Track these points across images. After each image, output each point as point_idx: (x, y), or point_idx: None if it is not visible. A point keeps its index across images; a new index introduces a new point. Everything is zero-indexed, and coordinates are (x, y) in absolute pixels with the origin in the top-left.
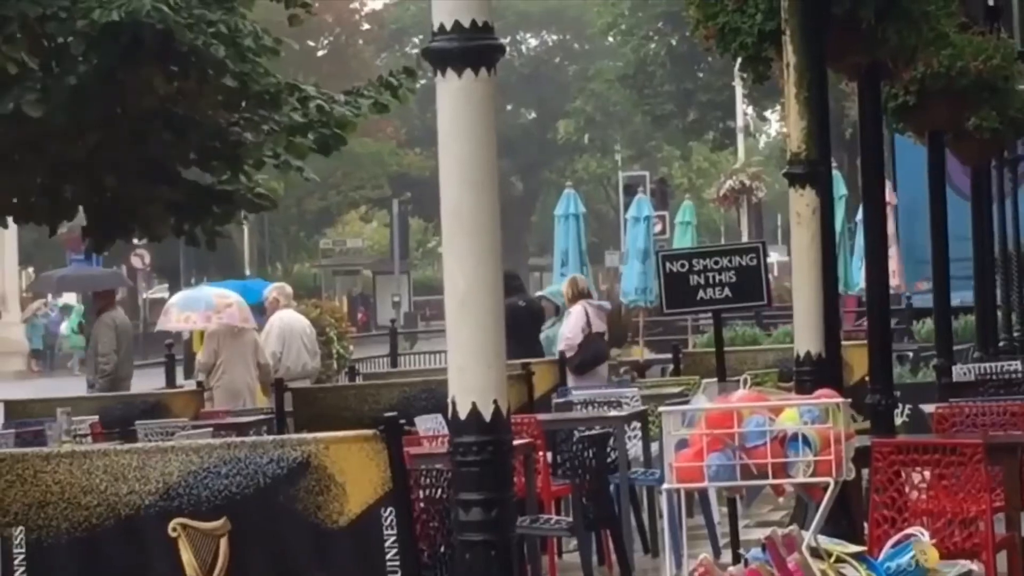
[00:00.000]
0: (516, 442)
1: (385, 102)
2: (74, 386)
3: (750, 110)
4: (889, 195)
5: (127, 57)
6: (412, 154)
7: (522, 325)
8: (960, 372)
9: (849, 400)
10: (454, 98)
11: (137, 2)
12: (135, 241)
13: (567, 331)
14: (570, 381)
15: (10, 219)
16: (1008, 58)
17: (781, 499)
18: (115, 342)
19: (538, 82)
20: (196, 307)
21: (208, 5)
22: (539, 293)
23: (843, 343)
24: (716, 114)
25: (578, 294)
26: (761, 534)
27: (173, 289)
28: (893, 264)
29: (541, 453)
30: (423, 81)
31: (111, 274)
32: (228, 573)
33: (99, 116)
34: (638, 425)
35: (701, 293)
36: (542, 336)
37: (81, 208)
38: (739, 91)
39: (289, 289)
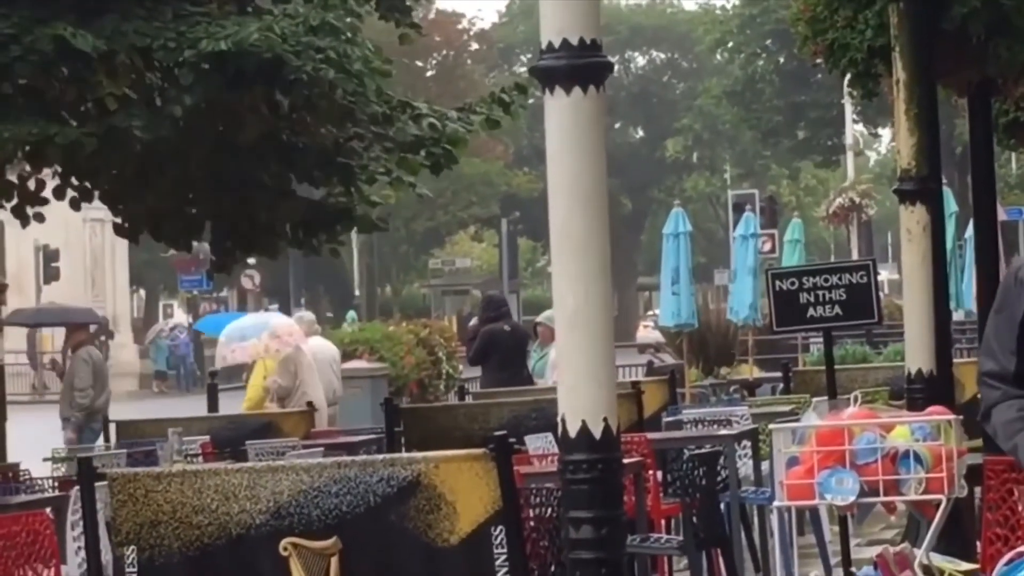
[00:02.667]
0: (626, 460)
1: (497, 118)
2: (190, 407)
3: (860, 127)
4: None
5: (233, 86)
6: (521, 174)
7: (508, 350)
8: None
9: (961, 417)
10: (562, 116)
11: (244, 31)
12: (249, 261)
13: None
14: None
15: (116, 239)
16: None
17: (893, 517)
18: (91, 377)
19: (646, 100)
20: (250, 336)
21: (316, 32)
22: (538, 319)
23: (955, 361)
24: (826, 131)
25: None
26: (872, 552)
27: (283, 309)
28: None
29: (651, 472)
30: (531, 100)
31: (85, 310)
32: None
33: (208, 142)
34: (748, 444)
35: (811, 311)
36: (534, 361)
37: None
38: (848, 108)
39: (312, 316)
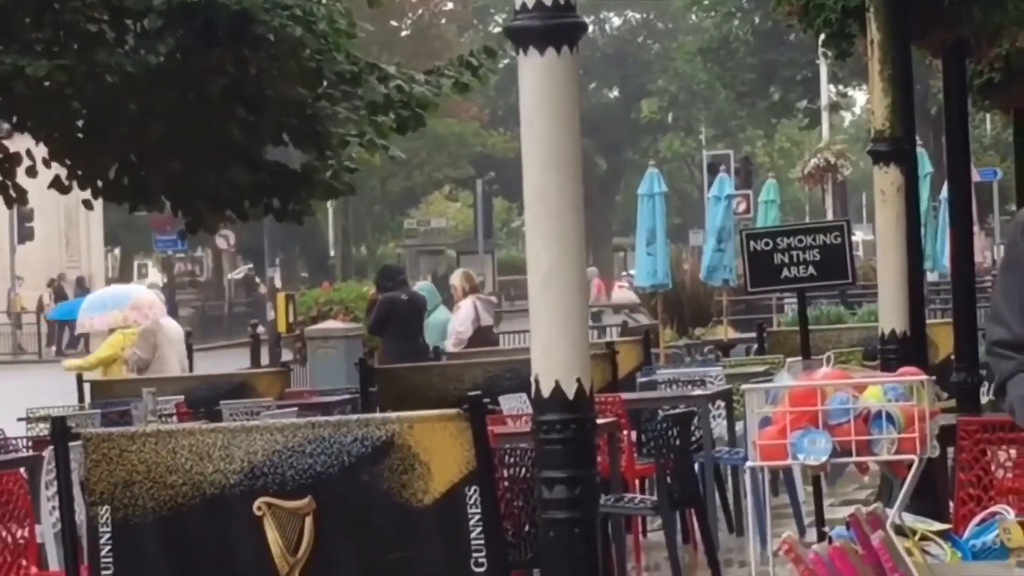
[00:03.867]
0: (600, 421)
1: (466, 82)
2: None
3: (834, 88)
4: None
5: (202, 38)
6: (496, 134)
7: (407, 318)
8: None
9: (934, 378)
10: (536, 76)
11: None
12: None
13: (458, 325)
14: None
15: (94, 200)
16: None
17: (865, 477)
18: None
19: (621, 61)
20: (110, 306)
21: None
22: (419, 284)
23: (928, 321)
24: (800, 92)
25: (469, 289)
26: (845, 512)
27: (258, 269)
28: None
29: (625, 432)
30: (506, 61)
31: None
32: (313, 551)
33: (171, 101)
34: (722, 404)
35: (785, 272)
36: (428, 321)
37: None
38: (823, 68)
39: (162, 297)
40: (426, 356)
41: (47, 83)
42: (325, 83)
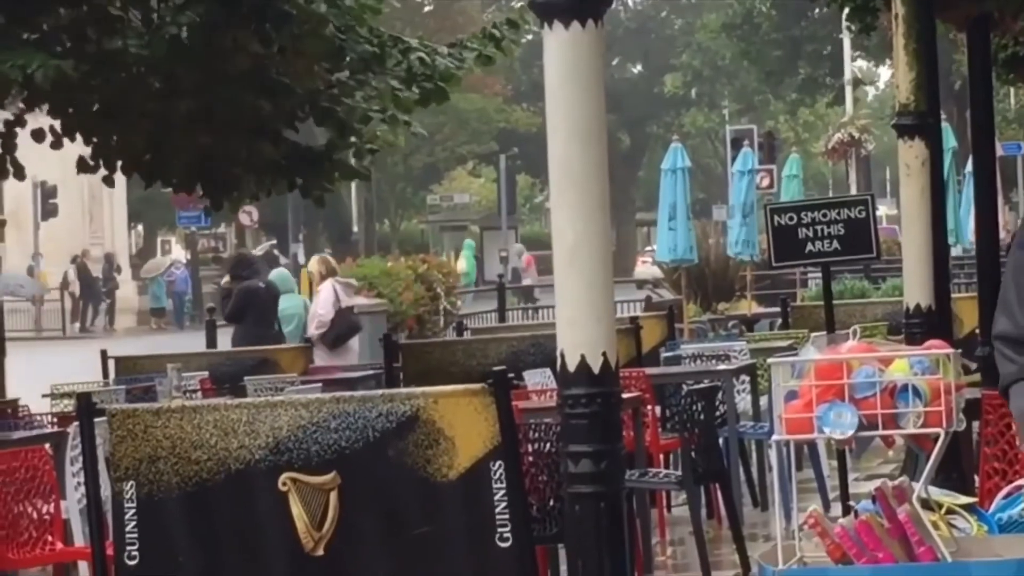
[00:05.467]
0: (625, 396)
1: (489, 54)
2: (188, 343)
3: (859, 63)
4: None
5: (227, 12)
6: (519, 110)
7: (263, 307)
8: None
9: (959, 351)
10: (561, 50)
11: None
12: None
13: (319, 308)
14: (321, 359)
15: (118, 177)
16: None
17: (891, 451)
18: None
19: (644, 36)
20: None
21: None
22: (274, 271)
23: (953, 296)
24: (824, 66)
25: (327, 272)
26: (871, 486)
27: (281, 245)
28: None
29: (650, 407)
30: (529, 36)
31: None
32: (338, 526)
33: (195, 79)
34: (747, 379)
35: (809, 246)
36: (281, 306)
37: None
38: (847, 43)
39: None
40: (280, 343)
41: (64, 77)
42: (347, 61)
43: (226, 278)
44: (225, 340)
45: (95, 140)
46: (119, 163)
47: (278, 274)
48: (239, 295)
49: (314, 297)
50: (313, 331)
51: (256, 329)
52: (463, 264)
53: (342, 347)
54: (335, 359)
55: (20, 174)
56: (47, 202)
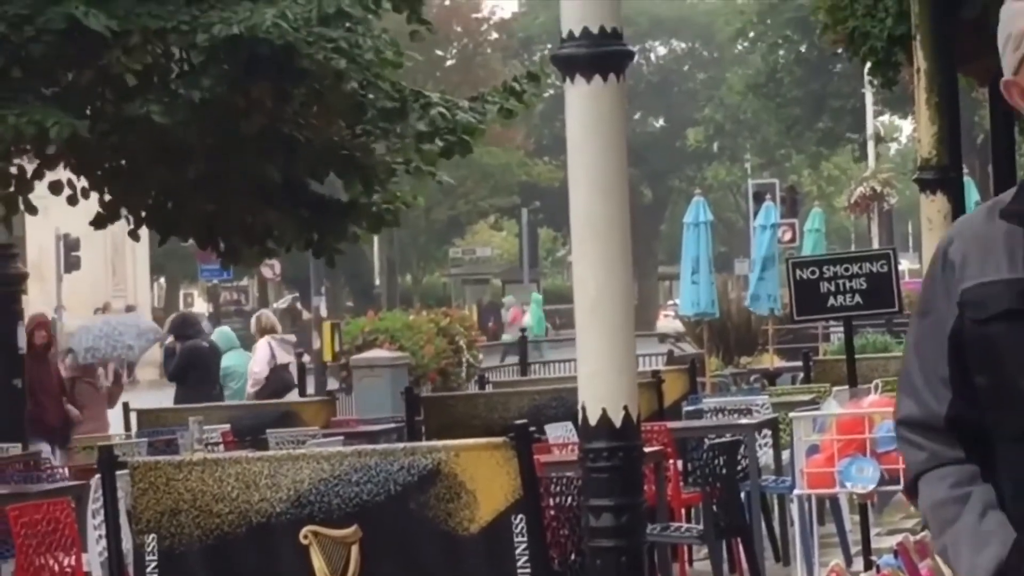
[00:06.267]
0: (646, 450)
1: (511, 107)
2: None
3: (883, 118)
4: None
5: (245, 73)
6: (541, 163)
7: (208, 365)
8: None
9: None
10: (583, 104)
11: (258, 17)
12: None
13: (254, 366)
14: None
15: (140, 231)
16: None
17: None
18: None
19: (667, 90)
20: None
21: (328, 22)
22: (216, 330)
23: None
24: (847, 121)
25: (263, 329)
26: (892, 541)
27: (303, 299)
28: None
29: (671, 461)
30: (551, 91)
31: None
32: None
33: (207, 142)
34: (769, 433)
35: (831, 300)
36: (224, 363)
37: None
38: (869, 97)
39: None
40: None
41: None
42: (368, 116)
43: (169, 338)
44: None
45: (108, 196)
46: (132, 218)
47: (221, 333)
48: (183, 354)
49: (252, 354)
50: (249, 389)
51: (200, 388)
52: (529, 318)
53: None
54: None
55: (32, 211)
56: (70, 254)
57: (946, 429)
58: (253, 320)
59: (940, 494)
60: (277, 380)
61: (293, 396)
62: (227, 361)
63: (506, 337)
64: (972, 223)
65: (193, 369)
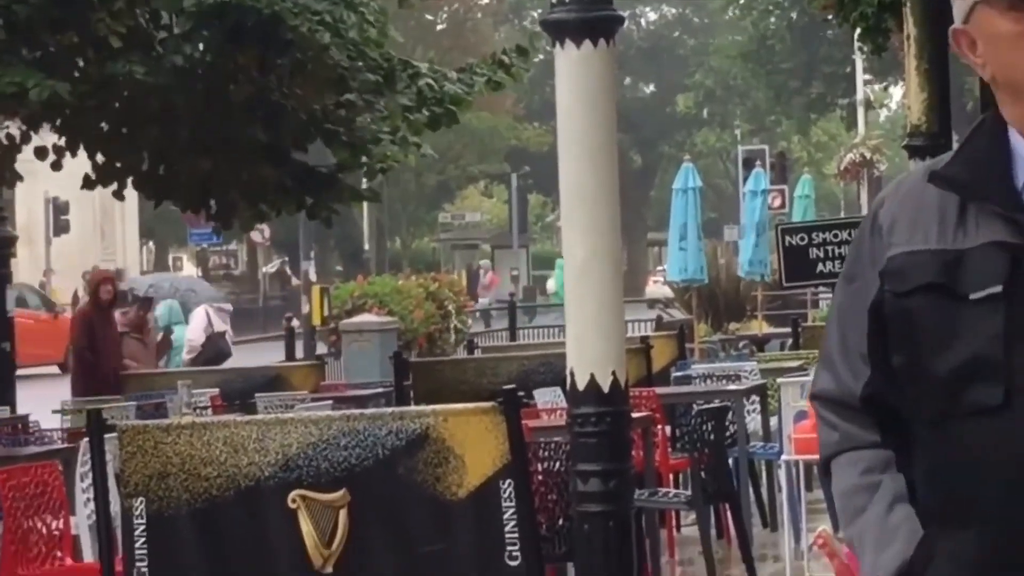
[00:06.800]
0: (634, 415)
1: (499, 80)
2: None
3: (872, 86)
4: None
5: (230, 41)
6: (531, 128)
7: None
8: None
9: None
10: (572, 69)
11: None
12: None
13: (190, 334)
14: None
15: (127, 192)
16: None
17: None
18: None
19: (657, 56)
20: None
21: None
22: (162, 303)
23: None
24: (838, 88)
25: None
26: None
27: (292, 263)
28: None
29: (660, 426)
30: (541, 56)
31: None
32: (348, 544)
33: (197, 104)
34: (757, 399)
35: (820, 266)
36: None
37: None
38: (859, 64)
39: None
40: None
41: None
42: (353, 85)
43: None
44: (236, 357)
45: (99, 159)
46: (125, 181)
47: (166, 306)
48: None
49: (189, 321)
50: (184, 356)
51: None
52: (553, 284)
53: None
54: None
55: (12, 184)
56: (59, 218)
57: (861, 409)
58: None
59: (850, 480)
60: (212, 348)
61: (230, 364)
62: (175, 334)
63: (483, 301)
64: (907, 185)
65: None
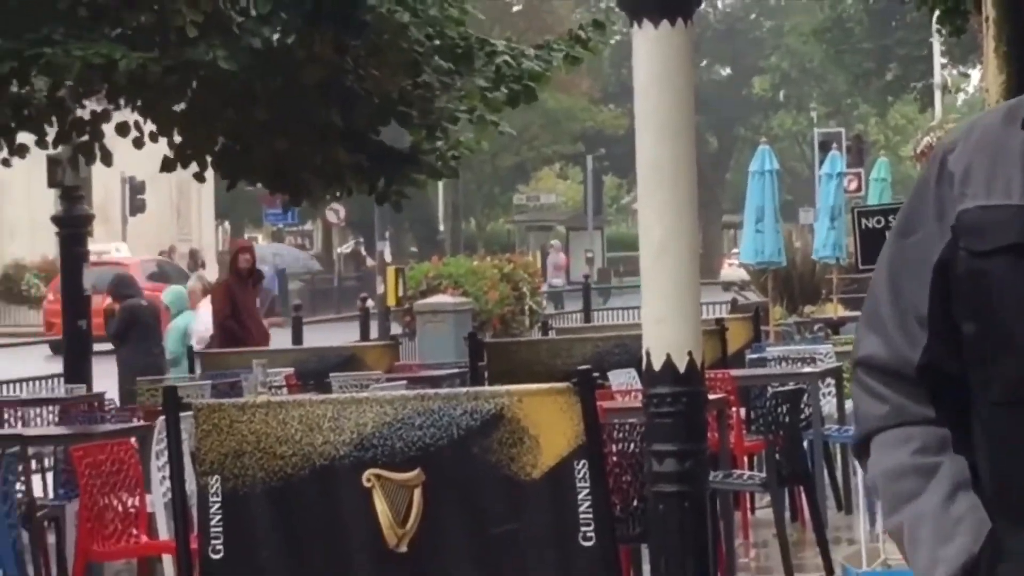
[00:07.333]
0: (710, 397)
1: (576, 55)
2: (274, 339)
3: (949, 69)
4: None
5: (308, 23)
6: (606, 111)
7: (148, 324)
8: None
9: None
10: (650, 48)
11: None
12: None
13: (198, 326)
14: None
15: (206, 172)
16: None
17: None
18: None
19: (733, 38)
20: None
21: None
22: (169, 288)
23: None
24: (915, 71)
25: (205, 290)
26: None
27: (368, 244)
28: None
29: (734, 408)
30: (617, 37)
31: None
32: (422, 523)
33: (270, 89)
34: (832, 382)
35: None
36: (172, 324)
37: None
38: (936, 47)
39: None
40: (163, 362)
41: (145, 73)
42: (434, 65)
43: (108, 299)
44: (311, 337)
45: (177, 139)
46: (205, 162)
47: (174, 291)
48: (122, 314)
49: (196, 314)
50: (196, 346)
51: (141, 346)
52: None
53: None
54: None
55: (108, 160)
56: (135, 197)
57: (916, 379)
58: (192, 280)
59: (899, 459)
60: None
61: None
62: (183, 320)
63: (555, 282)
64: (984, 127)
65: (133, 328)
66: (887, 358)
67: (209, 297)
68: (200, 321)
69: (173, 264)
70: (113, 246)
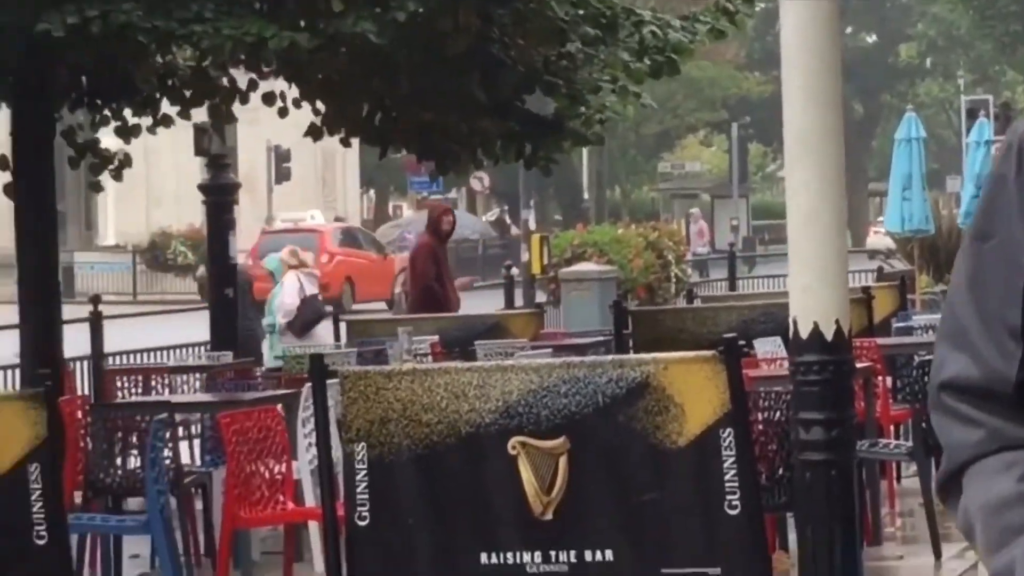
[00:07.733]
0: (856, 365)
1: (722, 28)
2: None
3: None
4: None
5: None
6: (751, 78)
7: (242, 288)
8: None
9: None
10: (798, 17)
11: None
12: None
13: (285, 298)
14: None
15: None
16: None
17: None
18: None
19: (879, 4)
20: None
21: None
22: (268, 257)
23: None
24: None
25: (295, 264)
26: None
27: (512, 212)
28: None
29: (881, 377)
30: (763, 4)
31: None
32: (567, 491)
33: (414, 61)
34: None
35: None
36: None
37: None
38: None
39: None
40: (257, 327)
41: (294, 49)
42: (579, 34)
43: (201, 269)
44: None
45: (323, 109)
46: (349, 129)
47: (275, 260)
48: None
49: (281, 286)
50: (281, 319)
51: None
52: None
53: (309, 334)
54: (305, 342)
55: (230, 118)
56: (281, 166)
57: (1014, 397)
58: (284, 252)
59: (1003, 489)
60: (308, 310)
61: (324, 328)
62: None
63: (700, 250)
64: None
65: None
66: (978, 377)
67: (293, 272)
68: (285, 294)
69: (363, 230)
70: (308, 213)
